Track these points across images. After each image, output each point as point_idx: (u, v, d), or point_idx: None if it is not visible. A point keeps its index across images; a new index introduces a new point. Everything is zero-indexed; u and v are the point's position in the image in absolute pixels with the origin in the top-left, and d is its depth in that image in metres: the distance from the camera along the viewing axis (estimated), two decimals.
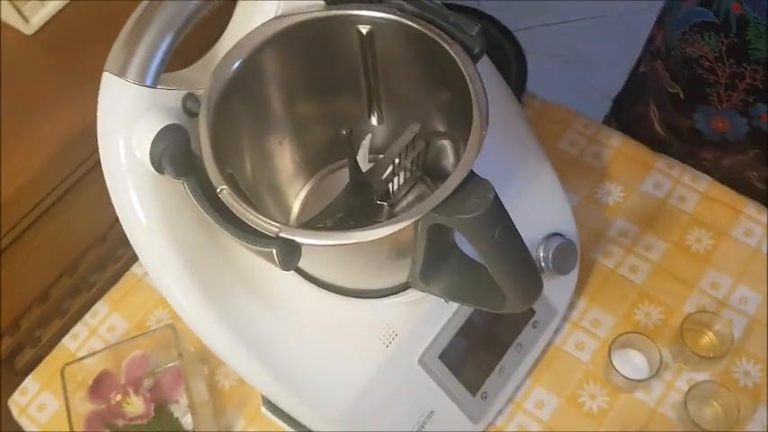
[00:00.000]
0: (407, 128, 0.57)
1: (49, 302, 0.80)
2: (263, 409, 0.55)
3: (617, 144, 0.79)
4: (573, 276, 0.67)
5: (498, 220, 0.43)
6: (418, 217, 0.42)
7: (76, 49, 0.74)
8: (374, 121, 0.61)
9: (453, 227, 0.43)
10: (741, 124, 0.73)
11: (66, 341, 0.76)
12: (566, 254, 0.64)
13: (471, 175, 0.44)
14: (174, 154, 0.45)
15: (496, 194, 0.43)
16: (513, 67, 0.84)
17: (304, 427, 0.55)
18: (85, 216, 0.77)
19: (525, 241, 0.64)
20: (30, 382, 0.73)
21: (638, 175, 0.77)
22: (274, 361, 0.52)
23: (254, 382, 0.53)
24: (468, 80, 0.47)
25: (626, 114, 0.80)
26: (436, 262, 0.53)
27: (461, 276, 0.54)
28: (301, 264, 0.54)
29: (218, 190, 0.44)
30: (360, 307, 0.56)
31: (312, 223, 0.52)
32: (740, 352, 0.66)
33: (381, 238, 0.43)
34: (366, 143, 0.61)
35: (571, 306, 0.70)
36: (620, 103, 0.93)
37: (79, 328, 0.76)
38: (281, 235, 0.42)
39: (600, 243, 0.74)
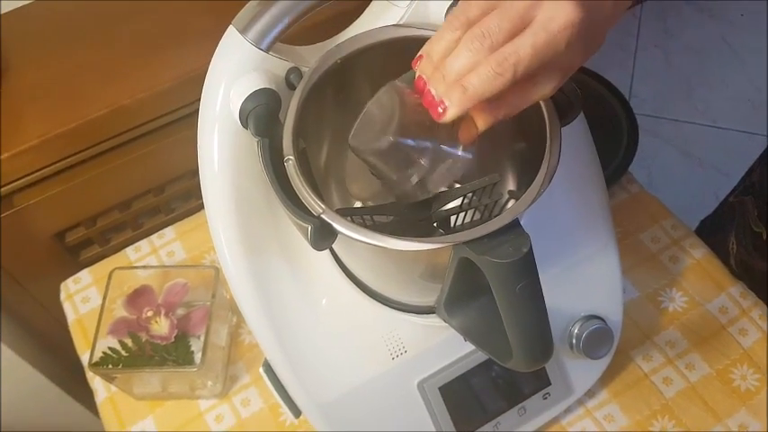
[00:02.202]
0: (488, 174, 0.59)
1: (129, 212, 0.87)
2: (261, 370, 0.57)
3: (699, 256, 0.77)
4: (602, 364, 0.66)
5: (523, 275, 0.44)
6: (448, 244, 0.44)
7: None
8: (459, 149, 0.62)
9: (480, 266, 0.44)
10: None
11: (129, 251, 0.82)
12: (599, 340, 0.63)
13: (515, 223, 0.44)
14: (260, 114, 0.49)
15: (531, 251, 0.43)
16: (623, 147, 0.83)
17: (290, 400, 0.58)
18: (187, 147, 0.82)
19: (564, 314, 0.64)
20: (85, 274, 0.80)
21: (708, 293, 0.75)
22: (284, 328, 0.55)
23: (260, 341, 0.55)
24: (548, 137, 0.48)
25: (705, 240, 0.79)
26: (463, 297, 0.54)
27: (482, 319, 0.54)
28: (339, 252, 0.57)
29: (285, 159, 0.47)
30: (381, 312, 0.58)
31: (359, 212, 0.55)
32: None
33: (413, 251, 0.45)
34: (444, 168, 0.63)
35: (591, 393, 0.69)
36: (703, 227, 0.91)
37: (144, 244, 0.82)
38: (322, 216, 0.44)
39: (644, 344, 0.72)
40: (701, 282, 0.75)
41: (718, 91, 2.04)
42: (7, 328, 0.88)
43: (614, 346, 0.65)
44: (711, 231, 0.89)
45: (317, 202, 0.45)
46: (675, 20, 2.22)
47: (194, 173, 0.88)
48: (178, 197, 0.90)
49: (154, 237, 0.83)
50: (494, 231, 0.44)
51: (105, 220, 0.85)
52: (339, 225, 0.44)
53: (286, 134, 0.48)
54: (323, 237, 0.44)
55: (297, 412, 0.58)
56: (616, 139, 0.84)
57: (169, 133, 0.79)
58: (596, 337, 0.63)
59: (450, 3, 0.53)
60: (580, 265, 0.63)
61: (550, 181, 0.46)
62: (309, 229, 0.44)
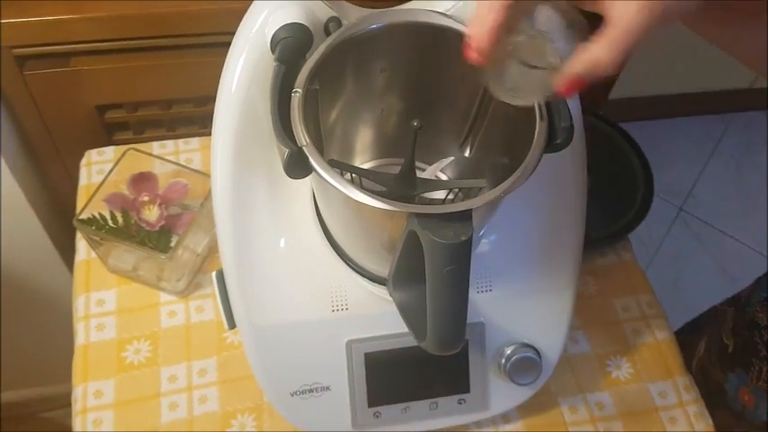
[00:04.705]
0: (476, 179, 0.62)
1: (168, 112, 0.93)
2: (213, 274, 0.62)
3: (660, 338, 0.78)
4: (524, 394, 0.68)
5: (454, 260, 0.47)
6: (400, 210, 0.47)
7: None
8: (466, 151, 0.66)
9: (421, 240, 0.47)
10: (764, 408, 0.70)
11: (156, 144, 0.88)
12: (526, 369, 0.65)
13: (465, 215, 0.47)
14: (288, 45, 0.53)
15: (468, 242, 0.46)
16: (633, 210, 0.85)
17: (230, 311, 0.62)
18: None
19: (504, 334, 0.67)
20: (109, 150, 0.86)
21: (655, 374, 0.76)
22: (245, 243, 0.59)
23: (221, 248, 0.60)
24: (528, 157, 0.51)
25: (681, 337, 0.80)
26: (411, 277, 0.57)
27: (418, 301, 0.57)
28: (318, 200, 0.61)
29: (293, 90, 0.52)
30: (337, 266, 0.61)
31: (350, 169, 0.58)
32: None
33: (379, 214, 0.49)
34: (445, 162, 0.66)
35: (507, 417, 0.71)
36: (685, 326, 0.92)
37: (170, 143, 0.88)
38: (303, 148, 0.48)
39: (575, 397, 0.74)
40: (652, 361, 0.77)
41: None
42: (29, 179, 0.95)
43: (540, 381, 0.67)
44: (690, 330, 0.90)
45: (305, 136, 0.49)
46: (759, 137, 2.19)
47: None
48: None
49: (181, 141, 0.89)
50: (444, 213, 0.47)
51: (145, 110, 0.91)
52: (315, 161, 0.48)
53: (304, 70, 0.53)
54: (297, 166, 0.48)
55: (232, 324, 0.63)
56: (628, 200, 0.85)
57: (225, 52, 0.84)
58: (524, 365, 0.65)
59: None
60: (534, 295, 0.66)
61: (504, 194, 0.49)
62: (286, 153, 0.48)
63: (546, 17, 0.40)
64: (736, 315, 0.75)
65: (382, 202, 0.47)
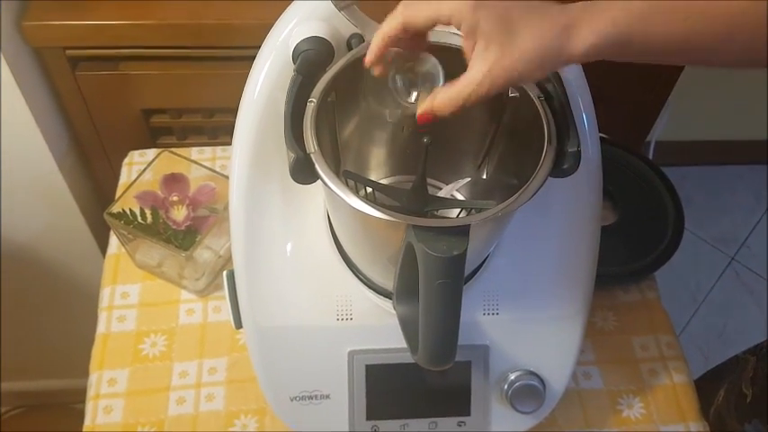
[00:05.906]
0: (486, 200, 0.62)
1: (211, 121, 0.96)
2: (224, 273, 0.64)
3: (678, 380, 0.76)
4: (526, 422, 0.68)
5: (445, 274, 0.47)
6: (397, 221, 0.48)
7: None
8: (483, 173, 0.66)
9: (416, 252, 0.48)
10: None
11: (195, 150, 0.91)
12: (528, 396, 0.65)
13: (463, 229, 0.48)
14: (309, 57, 0.55)
15: (461, 257, 0.47)
16: (660, 248, 0.83)
17: (237, 311, 0.64)
18: None
19: (510, 359, 0.66)
20: (151, 152, 0.90)
21: (668, 417, 0.74)
22: (256, 246, 0.61)
23: (233, 248, 0.61)
24: (532, 178, 0.51)
25: (701, 384, 0.78)
26: (411, 290, 0.58)
27: (416, 314, 0.58)
28: (330, 212, 0.62)
29: (309, 99, 0.53)
30: (346, 275, 0.62)
31: (364, 181, 0.59)
32: None
33: (383, 226, 0.50)
34: (461, 182, 0.67)
35: None
36: (706, 373, 0.88)
37: (209, 150, 0.91)
38: (310, 155, 0.50)
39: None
40: (666, 404, 0.75)
41: None
42: (76, 175, 1.00)
43: (543, 410, 0.66)
44: (711, 378, 0.87)
45: (314, 144, 0.51)
46: None
47: None
48: None
49: (219, 148, 0.92)
50: (440, 227, 0.48)
51: (189, 117, 0.95)
52: (320, 168, 0.50)
53: (321, 82, 0.54)
54: (303, 171, 0.50)
55: (239, 324, 0.64)
56: (656, 238, 0.84)
57: None
58: (526, 393, 0.65)
59: None
60: (542, 323, 0.65)
61: (506, 211, 0.49)
62: (293, 158, 0.49)
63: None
64: (757, 364, 0.73)
65: (379, 211, 0.48)
